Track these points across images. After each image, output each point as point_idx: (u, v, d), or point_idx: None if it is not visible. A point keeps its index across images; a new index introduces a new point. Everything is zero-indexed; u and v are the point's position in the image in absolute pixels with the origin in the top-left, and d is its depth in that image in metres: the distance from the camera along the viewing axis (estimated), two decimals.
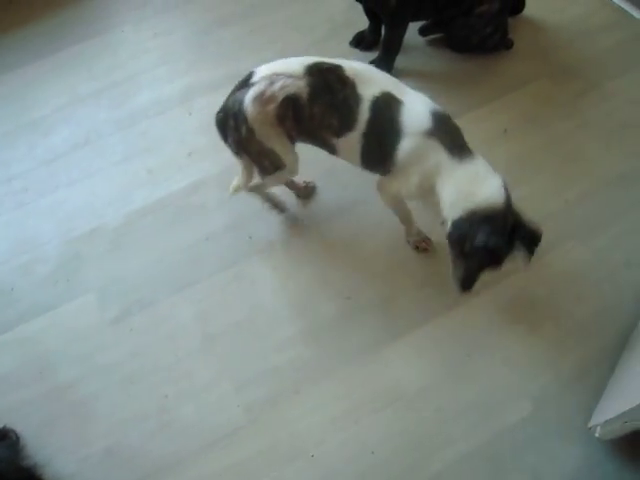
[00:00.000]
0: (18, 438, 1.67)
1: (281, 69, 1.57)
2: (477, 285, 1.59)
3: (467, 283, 1.57)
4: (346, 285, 1.90)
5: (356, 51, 2.52)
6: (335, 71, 1.57)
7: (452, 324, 1.83)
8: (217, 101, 2.32)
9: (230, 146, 1.72)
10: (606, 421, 1.54)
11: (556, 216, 2.01)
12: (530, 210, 1.99)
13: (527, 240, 1.55)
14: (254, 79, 1.58)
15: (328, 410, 1.69)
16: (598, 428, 1.59)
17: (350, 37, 2.55)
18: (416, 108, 1.56)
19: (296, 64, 1.58)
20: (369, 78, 1.58)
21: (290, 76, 1.55)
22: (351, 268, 1.94)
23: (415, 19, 2.39)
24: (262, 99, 1.54)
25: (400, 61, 2.40)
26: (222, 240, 2.02)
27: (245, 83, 1.62)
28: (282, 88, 1.54)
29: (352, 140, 1.59)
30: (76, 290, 1.95)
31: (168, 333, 1.84)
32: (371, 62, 2.39)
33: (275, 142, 1.63)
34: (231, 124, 1.63)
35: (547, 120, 2.27)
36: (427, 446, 1.65)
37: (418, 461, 1.63)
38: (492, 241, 1.45)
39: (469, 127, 2.19)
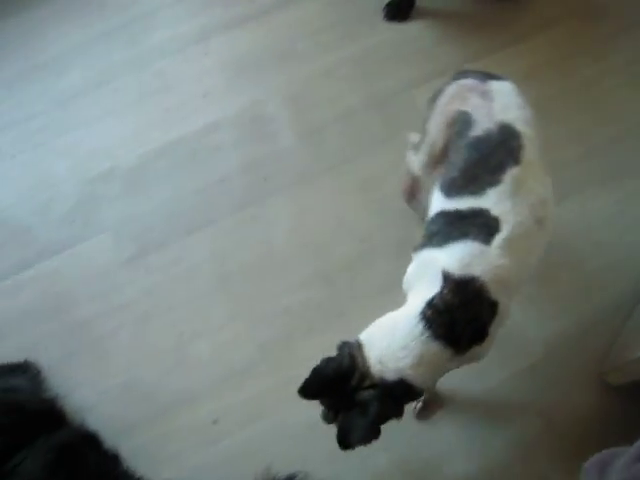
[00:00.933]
0: (39, 371, 1.72)
1: None
2: None
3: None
4: (360, 228, 1.90)
5: None
6: None
7: None
8: (234, 41, 2.31)
9: None
10: (618, 366, 1.55)
11: (577, 163, 1.97)
12: (551, 156, 1.96)
13: None
14: None
15: None
16: (610, 373, 1.60)
17: None
18: None
19: None
20: None
21: None
22: (366, 212, 1.93)
23: None
24: None
25: (420, 0, 2.32)
26: (237, 182, 2.01)
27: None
28: None
29: None
30: (92, 229, 1.97)
31: (183, 273, 1.87)
32: (391, 2, 2.31)
33: None
34: None
35: (573, 64, 2.19)
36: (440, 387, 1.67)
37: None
38: None
39: (489, 71, 2.17)
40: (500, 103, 1.32)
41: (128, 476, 1.47)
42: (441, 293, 1.20)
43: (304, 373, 1.66)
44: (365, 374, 1.21)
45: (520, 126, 1.29)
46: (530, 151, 1.28)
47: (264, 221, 1.94)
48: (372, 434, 1.21)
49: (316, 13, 2.34)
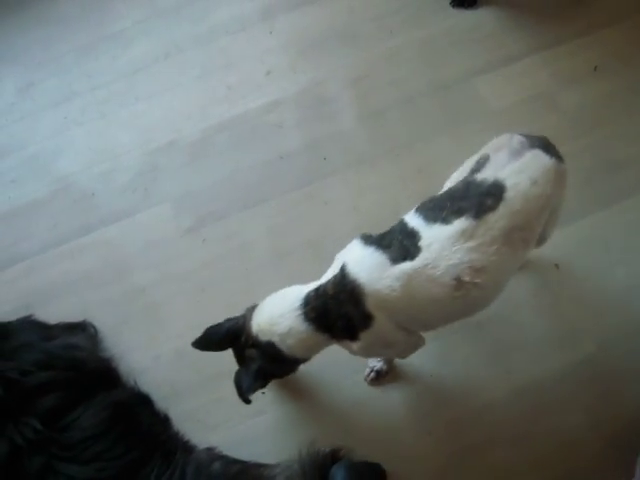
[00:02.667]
0: (96, 331, 1.78)
1: None
2: None
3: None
4: None
5: None
6: None
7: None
8: (299, 20, 2.32)
9: None
10: None
11: None
12: (614, 150, 1.92)
13: None
14: None
15: None
16: None
17: None
18: None
19: None
20: None
21: None
22: (423, 197, 1.89)
23: None
24: None
25: None
26: (297, 160, 2.03)
27: None
28: None
29: None
30: (153, 199, 2.02)
31: (239, 246, 1.90)
32: None
33: None
34: None
35: None
36: (483, 376, 1.68)
37: (472, 390, 1.66)
38: None
39: (557, 63, 2.13)
40: (518, 167, 1.26)
41: (177, 439, 1.51)
42: (327, 281, 1.30)
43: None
44: (249, 334, 1.35)
45: (512, 195, 1.22)
46: (501, 220, 1.21)
47: (321, 201, 1.95)
48: (254, 386, 1.36)
49: None
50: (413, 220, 1.29)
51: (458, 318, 1.38)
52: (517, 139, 1.32)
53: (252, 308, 1.42)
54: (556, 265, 1.78)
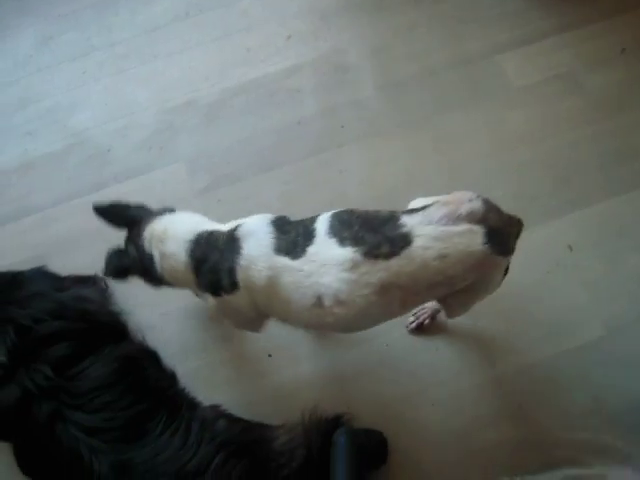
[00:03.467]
0: (107, 285, 1.79)
1: None
2: None
3: None
4: (430, 186, 1.86)
5: None
6: None
7: (536, 240, 1.77)
8: None
9: None
10: None
11: None
12: (636, 137, 1.90)
13: None
14: None
15: None
16: None
17: None
18: None
19: None
20: None
21: None
22: (438, 170, 1.91)
23: None
24: None
25: None
26: (314, 126, 2.02)
27: None
28: None
29: None
30: (168, 158, 2.02)
31: (253, 209, 1.86)
32: None
33: None
34: None
35: None
36: (490, 352, 1.69)
37: (479, 363, 1.68)
38: None
39: (583, 44, 2.10)
40: (440, 234, 1.16)
41: (183, 394, 1.53)
42: (222, 233, 1.31)
43: None
44: (140, 233, 1.41)
45: (411, 255, 1.15)
46: (384, 272, 1.15)
47: (336, 168, 1.94)
48: (113, 274, 1.47)
49: None
50: (320, 223, 1.25)
51: (314, 329, 1.42)
52: (470, 207, 1.19)
53: (165, 211, 1.44)
54: (569, 247, 1.78)
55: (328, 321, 1.22)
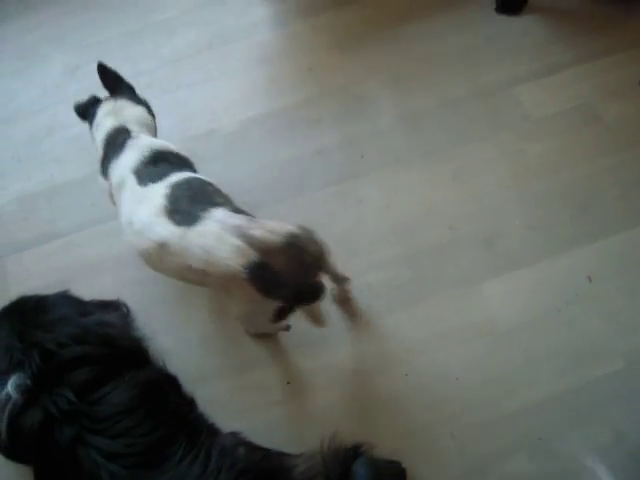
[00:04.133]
0: (129, 310, 1.81)
1: None
2: None
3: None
4: (449, 216, 1.90)
5: None
6: None
7: (554, 271, 1.80)
8: (342, 20, 2.35)
9: None
10: None
11: None
12: None
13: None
14: None
15: (418, 332, 1.74)
16: None
17: None
18: None
19: None
20: None
21: None
22: (456, 201, 1.93)
23: None
24: None
25: None
26: (334, 156, 2.05)
27: None
28: None
29: None
30: None
31: None
32: None
33: None
34: None
35: None
36: (510, 384, 1.67)
37: (499, 396, 1.66)
38: None
39: (600, 76, 2.12)
40: (226, 230, 1.29)
41: (202, 421, 1.54)
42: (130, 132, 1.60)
43: (381, 350, 1.72)
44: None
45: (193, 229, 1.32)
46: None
47: (356, 197, 1.96)
48: None
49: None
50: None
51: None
52: (269, 237, 1.29)
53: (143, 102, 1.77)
54: (589, 278, 1.78)
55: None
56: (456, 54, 2.22)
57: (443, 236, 1.87)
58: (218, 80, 2.28)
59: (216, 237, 1.29)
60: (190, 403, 1.57)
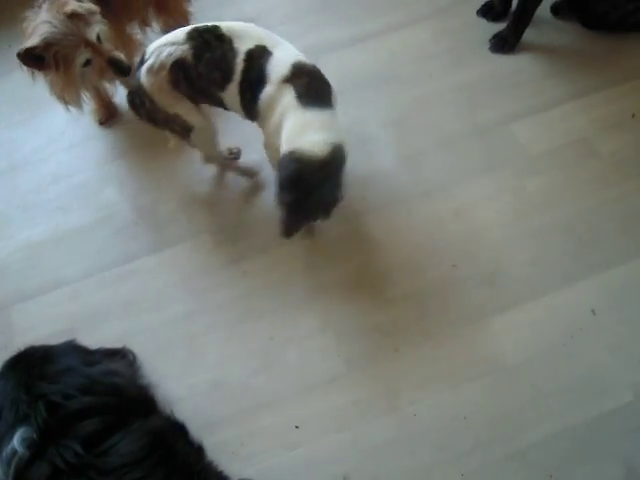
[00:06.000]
0: (135, 358, 1.81)
1: (165, 40, 1.69)
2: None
3: (287, 230, 1.70)
4: (453, 253, 1.91)
5: (482, 21, 2.44)
6: (213, 31, 1.68)
7: (558, 305, 1.81)
8: (341, 61, 2.39)
9: (145, 121, 1.85)
10: None
11: None
12: None
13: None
14: (146, 56, 1.69)
15: (425, 371, 1.74)
16: None
17: (477, 6, 2.47)
18: (282, 59, 1.66)
19: (178, 32, 1.70)
20: (244, 34, 1.69)
21: (174, 43, 1.67)
22: (459, 239, 1.94)
23: None
24: (153, 70, 1.67)
25: (528, 34, 2.32)
26: None
27: (141, 62, 1.72)
28: (168, 55, 1.65)
29: (233, 91, 1.70)
30: (194, 230, 2.06)
31: (278, 280, 1.93)
32: (498, 34, 2.33)
33: (176, 106, 1.75)
34: (137, 101, 1.76)
35: None
36: (519, 420, 1.67)
37: (508, 433, 1.65)
38: (283, 192, 1.60)
39: (595, 109, 2.15)
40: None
41: (211, 469, 1.52)
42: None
43: (389, 389, 1.71)
44: None
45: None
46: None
47: (358, 238, 1.98)
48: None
49: (425, 40, 2.39)
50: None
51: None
52: (152, 46, 1.68)
53: None
54: (593, 311, 1.78)
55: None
56: (453, 92, 2.25)
57: (447, 274, 1.88)
58: (224, 124, 2.29)
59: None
60: (198, 451, 1.56)
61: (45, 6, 1.79)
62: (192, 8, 2.44)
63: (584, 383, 1.69)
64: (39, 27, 1.76)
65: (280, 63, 1.65)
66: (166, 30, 2.49)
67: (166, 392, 1.76)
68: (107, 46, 1.86)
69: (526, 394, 1.68)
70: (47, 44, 1.74)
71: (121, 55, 1.89)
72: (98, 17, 1.83)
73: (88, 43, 1.79)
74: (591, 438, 1.62)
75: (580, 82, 2.24)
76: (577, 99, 2.20)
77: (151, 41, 1.77)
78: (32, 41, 1.75)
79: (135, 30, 2.26)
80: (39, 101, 2.43)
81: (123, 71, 1.89)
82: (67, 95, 1.94)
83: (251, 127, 1.85)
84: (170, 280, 1.99)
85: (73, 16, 1.75)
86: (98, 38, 1.82)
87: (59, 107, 2.27)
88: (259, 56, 1.65)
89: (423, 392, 1.70)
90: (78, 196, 2.21)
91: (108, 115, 2.36)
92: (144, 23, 2.28)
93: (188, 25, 1.74)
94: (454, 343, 1.77)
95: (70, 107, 2.02)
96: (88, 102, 2.14)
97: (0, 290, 2.05)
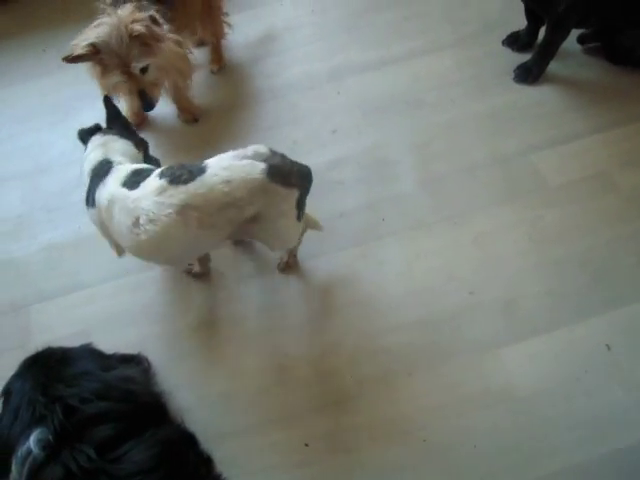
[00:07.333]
0: (150, 365, 1.83)
1: None
2: None
3: None
4: (470, 281, 1.93)
5: (507, 51, 2.48)
6: None
7: (573, 338, 1.81)
8: (366, 84, 2.42)
9: None
10: None
11: None
12: None
13: None
14: None
15: (437, 398, 1.74)
16: None
17: (503, 35, 2.51)
18: None
19: None
20: None
21: None
22: (477, 266, 1.96)
23: (579, 26, 2.32)
24: None
25: (552, 66, 2.35)
26: (355, 218, 2.09)
27: None
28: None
29: None
30: None
31: (293, 298, 1.96)
32: (522, 64, 2.36)
33: None
34: None
35: None
36: (529, 452, 1.66)
37: (518, 465, 1.65)
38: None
39: (616, 144, 2.17)
40: (227, 165, 1.51)
41: None
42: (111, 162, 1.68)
43: (400, 414, 1.72)
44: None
45: (202, 181, 1.48)
46: (182, 194, 1.48)
47: (376, 260, 2.00)
48: None
49: (449, 67, 2.43)
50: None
51: (134, 252, 1.65)
52: (256, 149, 1.56)
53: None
54: (607, 346, 1.79)
55: (142, 239, 1.52)
56: (474, 121, 2.28)
57: (463, 301, 1.89)
58: (246, 138, 2.34)
59: (227, 167, 1.50)
60: (207, 463, 1.57)
61: (123, 11, 1.82)
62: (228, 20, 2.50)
63: (596, 419, 1.69)
64: (100, 28, 1.80)
65: None
66: (198, 44, 2.56)
67: (178, 401, 1.78)
68: (150, 76, 1.91)
69: (537, 427, 1.68)
70: (95, 50, 1.79)
71: (156, 92, 1.96)
72: (164, 41, 1.88)
73: (126, 72, 1.84)
74: (602, 476, 1.62)
75: (602, 116, 2.26)
76: (598, 133, 2.22)
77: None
78: (86, 38, 1.79)
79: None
80: (69, 106, 2.49)
81: (147, 105, 1.97)
82: (101, 85, 1.98)
83: None
84: (188, 290, 2.01)
85: (135, 37, 1.79)
86: (144, 68, 1.87)
87: (88, 113, 2.33)
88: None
89: (434, 418, 1.71)
90: None
91: (137, 122, 2.40)
92: (193, 32, 2.33)
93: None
94: (467, 370, 1.77)
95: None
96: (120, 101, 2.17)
97: (20, 289, 2.08)
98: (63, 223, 2.23)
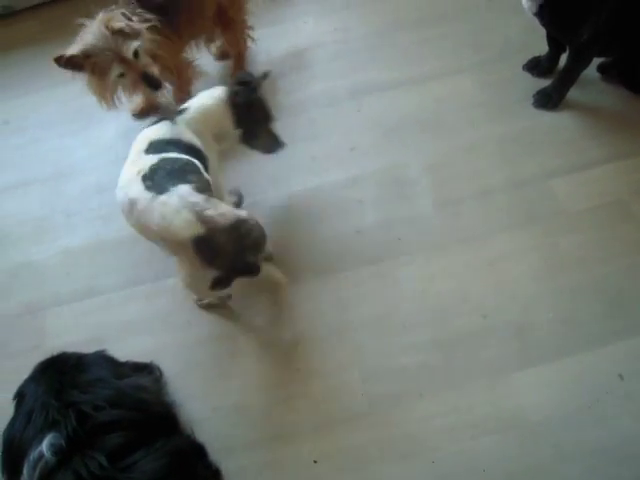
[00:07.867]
0: (162, 374, 1.84)
1: None
2: None
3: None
4: (484, 304, 1.92)
5: (527, 75, 2.49)
6: None
7: (585, 366, 1.80)
8: (386, 103, 2.44)
9: None
10: None
11: None
12: None
13: None
14: None
15: (448, 420, 1.74)
16: None
17: (523, 60, 2.52)
18: None
19: None
20: None
21: None
22: (492, 289, 1.96)
23: (601, 55, 2.33)
24: None
25: (572, 93, 2.36)
26: (372, 236, 2.10)
27: None
28: None
29: None
30: None
31: (308, 313, 1.97)
32: (542, 90, 2.38)
33: None
34: None
35: None
36: (538, 479, 1.65)
37: None
38: None
39: (634, 173, 2.17)
40: (182, 202, 1.57)
41: None
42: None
43: (409, 435, 1.72)
44: None
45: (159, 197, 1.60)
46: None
47: (391, 280, 2.00)
48: None
49: (469, 90, 2.45)
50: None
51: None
52: (218, 215, 1.58)
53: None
54: (620, 375, 1.78)
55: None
56: (493, 144, 2.29)
57: (476, 324, 1.89)
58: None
59: (174, 209, 1.56)
60: (216, 475, 1.58)
61: (98, 17, 1.90)
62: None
63: (607, 449, 1.67)
64: (84, 37, 1.89)
65: None
66: (221, 56, 2.59)
67: (189, 412, 1.79)
68: (143, 60, 1.96)
69: (547, 453, 1.67)
70: (86, 55, 1.87)
71: (155, 70, 2.00)
72: (143, 33, 1.95)
73: (122, 59, 1.90)
74: None
75: (620, 145, 2.26)
76: (616, 161, 2.21)
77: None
78: (73, 50, 1.88)
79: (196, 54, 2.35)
80: (91, 113, 2.53)
81: (153, 85, 2.01)
82: (102, 97, 2.06)
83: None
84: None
85: (117, 32, 1.87)
86: (136, 53, 1.92)
87: (110, 121, 2.36)
88: None
89: (444, 440, 1.70)
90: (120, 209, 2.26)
91: (146, 111, 2.49)
92: (209, 40, 2.37)
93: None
94: (478, 394, 1.77)
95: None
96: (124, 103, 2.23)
97: (37, 292, 2.11)
98: (82, 228, 2.26)
